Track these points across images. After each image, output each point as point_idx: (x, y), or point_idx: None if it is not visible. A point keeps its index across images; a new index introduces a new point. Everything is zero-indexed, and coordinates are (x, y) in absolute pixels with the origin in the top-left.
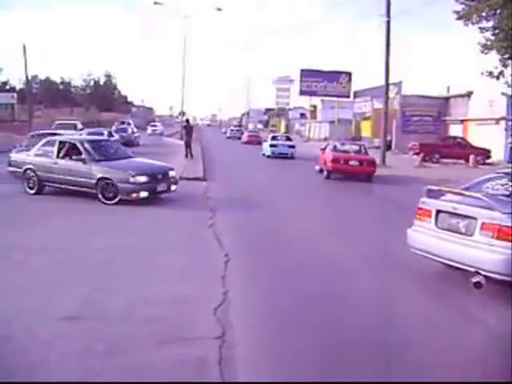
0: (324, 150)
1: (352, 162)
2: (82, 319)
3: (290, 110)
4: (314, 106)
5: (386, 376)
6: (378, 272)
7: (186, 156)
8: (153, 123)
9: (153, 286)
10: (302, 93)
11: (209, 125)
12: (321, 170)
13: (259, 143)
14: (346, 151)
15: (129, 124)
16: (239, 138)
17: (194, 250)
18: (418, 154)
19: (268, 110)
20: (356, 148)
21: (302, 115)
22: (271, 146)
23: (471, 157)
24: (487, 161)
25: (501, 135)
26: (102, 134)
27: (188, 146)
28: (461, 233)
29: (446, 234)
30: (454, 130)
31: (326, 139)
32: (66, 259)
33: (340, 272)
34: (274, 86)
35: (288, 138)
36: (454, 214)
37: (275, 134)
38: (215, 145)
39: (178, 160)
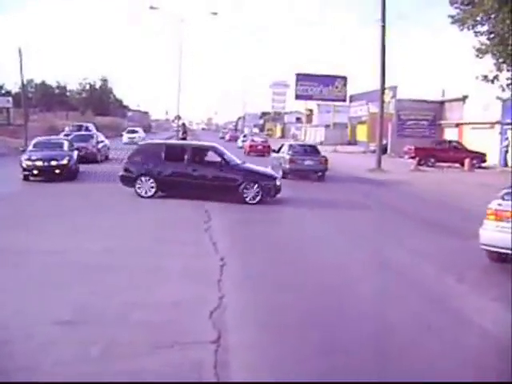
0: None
1: (259, 147)
2: (77, 323)
3: (285, 114)
4: (310, 110)
5: (382, 378)
6: (375, 275)
7: None
8: (130, 128)
9: (149, 289)
10: (297, 97)
11: (204, 129)
12: (247, 153)
13: (236, 140)
14: (255, 141)
15: (88, 130)
16: (223, 138)
17: (190, 254)
18: (413, 157)
19: (264, 114)
20: (261, 140)
21: (298, 119)
22: (242, 141)
23: (466, 160)
24: (482, 164)
25: (496, 139)
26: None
27: None
28: None
29: None
30: (450, 134)
31: (321, 143)
32: (62, 261)
33: (338, 274)
34: (270, 90)
35: (251, 134)
36: None
37: (245, 133)
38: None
39: None
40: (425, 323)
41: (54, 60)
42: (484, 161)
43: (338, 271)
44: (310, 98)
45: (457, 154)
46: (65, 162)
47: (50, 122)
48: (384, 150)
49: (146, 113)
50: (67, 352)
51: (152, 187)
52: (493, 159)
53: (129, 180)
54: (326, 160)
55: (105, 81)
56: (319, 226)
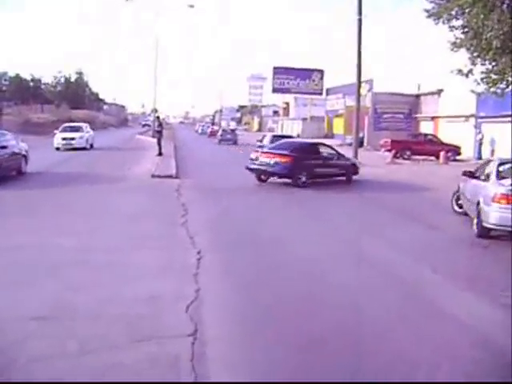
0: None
1: (214, 132)
2: (53, 318)
3: (262, 107)
4: (287, 104)
5: (359, 369)
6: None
7: (160, 154)
8: (68, 125)
9: (125, 284)
10: (274, 90)
11: (181, 122)
12: (208, 136)
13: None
14: (213, 128)
15: None
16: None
17: (167, 248)
18: (389, 150)
19: (241, 107)
20: (216, 128)
21: (275, 112)
22: (201, 129)
23: (442, 153)
24: (457, 157)
25: (470, 132)
26: None
27: (158, 143)
28: None
29: None
30: (425, 127)
31: (298, 136)
32: (37, 257)
33: (314, 265)
34: (247, 83)
35: (208, 125)
36: None
37: (203, 124)
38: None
39: (150, 158)
40: (398, 312)
41: (29, 53)
42: (459, 154)
43: (315, 262)
44: (287, 91)
45: (432, 147)
46: None
47: (25, 115)
48: (360, 143)
49: (123, 106)
50: (43, 347)
51: None
52: (467, 152)
53: None
54: None
55: (80, 74)
56: (298, 218)
